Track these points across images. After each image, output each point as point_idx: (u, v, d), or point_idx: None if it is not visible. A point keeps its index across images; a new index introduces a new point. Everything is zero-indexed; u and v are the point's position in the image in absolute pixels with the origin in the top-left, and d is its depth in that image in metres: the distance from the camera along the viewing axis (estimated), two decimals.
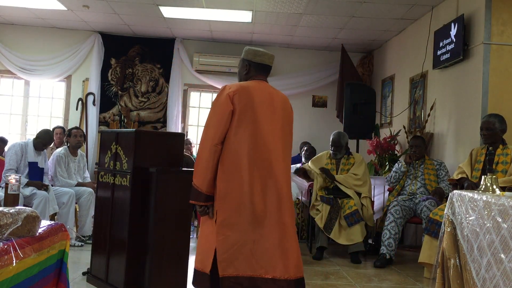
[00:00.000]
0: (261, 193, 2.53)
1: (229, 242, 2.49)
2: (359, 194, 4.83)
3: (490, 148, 3.98)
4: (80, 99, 7.70)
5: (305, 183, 5.26)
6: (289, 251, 2.52)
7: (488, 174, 2.72)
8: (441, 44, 5.24)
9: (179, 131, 7.65)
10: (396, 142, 6.32)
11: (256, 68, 2.76)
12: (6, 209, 2.13)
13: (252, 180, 2.52)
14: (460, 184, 4.09)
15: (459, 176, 4.13)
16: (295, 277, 2.51)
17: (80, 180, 5.67)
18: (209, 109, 2.64)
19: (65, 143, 5.90)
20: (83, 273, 4.02)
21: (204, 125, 2.64)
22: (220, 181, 2.54)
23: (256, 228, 2.51)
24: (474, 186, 3.80)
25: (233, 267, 2.47)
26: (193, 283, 2.68)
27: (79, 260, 4.53)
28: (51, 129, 6.10)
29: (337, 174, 4.95)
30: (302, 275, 2.58)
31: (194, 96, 8.13)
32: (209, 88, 7.83)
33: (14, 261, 1.97)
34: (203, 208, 2.58)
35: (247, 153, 2.54)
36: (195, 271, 2.64)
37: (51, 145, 6.13)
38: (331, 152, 5.06)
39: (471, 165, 4.11)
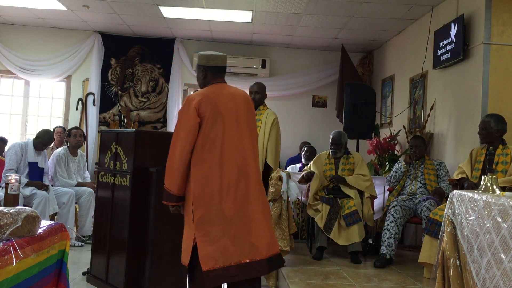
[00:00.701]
0: (231, 193, 2.72)
1: (207, 238, 2.66)
2: (360, 193, 4.82)
3: (490, 148, 3.98)
4: (80, 99, 7.70)
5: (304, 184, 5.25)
6: (259, 235, 2.73)
7: (488, 174, 2.72)
8: (441, 44, 5.24)
9: None
10: (396, 142, 6.32)
11: (212, 71, 2.89)
12: (6, 209, 2.13)
13: (222, 182, 2.71)
14: (460, 184, 4.09)
15: (459, 176, 4.13)
16: (267, 256, 2.71)
17: (80, 180, 5.67)
18: (177, 119, 2.80)
19: (65, 143, 5.91)
20: (83, 273, 4.02)
21: (174, 134, 2.80)
22: (194, 183, 2.70)
23: (227, 222, 2.69)
24: (474, 186, 3.80)
25: (213, 260, 2.63)
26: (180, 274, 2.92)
27: (79, 260, 4.53)
28: (52, 129, 6.11)
29: (336, 173, 4.94)
30: (276, 251, 2.78)
31: None
32: None
33: (14, 261, 1.97)
34: (175, 207, 2.80)
35: (218, 158, 2.72)
36: (181, 264, 2.80)
37: (51, 145, 6.13)
38: (330, 151, 5.05)
39: (471, 165, 4.11)
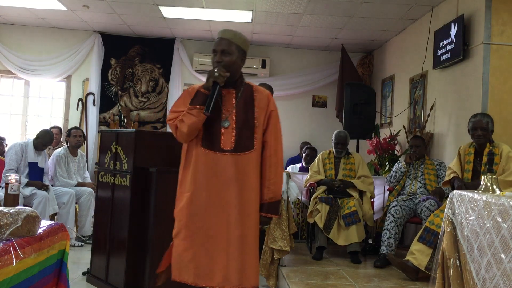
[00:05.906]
0: None
1: None
2: (361, 193, 4.81)
3: (490, 148, 3.96)
4: (80, 99, 7.70)
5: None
6: None
7: (488, 174, 2.72)
8: (441, 44, 5.24)
9: None
10: (396, 142, 6.32)
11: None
12: (6, 209, 2.13)
13: None
14: (450, 184, 4.06)
15: (451, 175, 4.09)
16: None
17: (80, 180, 5.67)
18: (278, 121, 2.57)
19: (65, 143, 5.91)
20: (83, 273, 4.02)
21: (279, 137, 2.58)
22: None
23: None
24: (463, 186, 3.78)
25: None
26: None
27: (79, 260, 4.53)
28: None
29: (336, 173, 4.94)
30: None
31: None
32: None
33: (14, 261, 1.97)
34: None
35: None
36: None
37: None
38: (335, 150, 5.01)
39: (460, 163, 4.08)
